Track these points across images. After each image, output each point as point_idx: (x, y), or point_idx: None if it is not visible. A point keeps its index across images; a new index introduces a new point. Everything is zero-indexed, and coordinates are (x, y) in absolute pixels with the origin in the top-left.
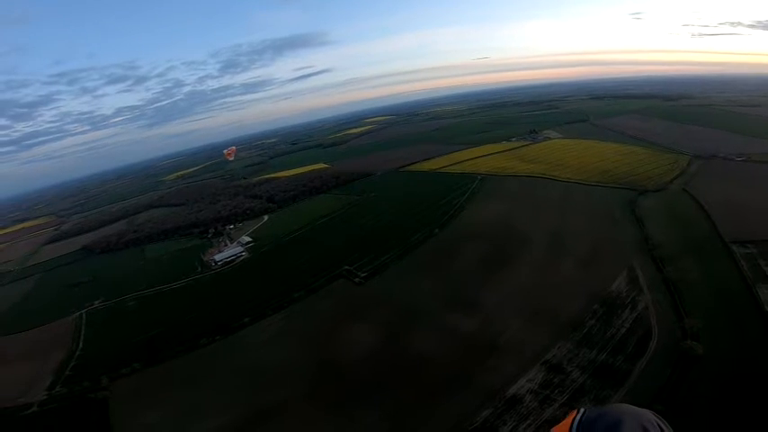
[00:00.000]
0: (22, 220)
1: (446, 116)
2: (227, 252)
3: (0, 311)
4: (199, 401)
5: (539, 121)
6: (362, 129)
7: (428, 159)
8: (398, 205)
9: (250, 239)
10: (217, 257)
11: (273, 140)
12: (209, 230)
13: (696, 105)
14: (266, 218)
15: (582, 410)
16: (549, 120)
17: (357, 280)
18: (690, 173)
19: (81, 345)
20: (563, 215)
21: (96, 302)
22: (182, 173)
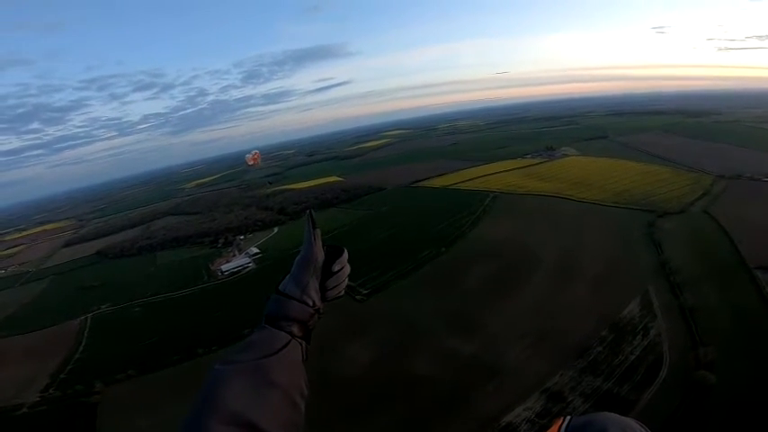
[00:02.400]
0: (44, 223)
1: (464, 131)
2: (235, 262)
3: (11, 311)
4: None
5: (557, 137)
6: (379, 142)
7: (442, 175)
8: (407, 222)
9: (258, 251)
10: (224, 267)
11: (292, 151)
12: (220, 240)
13: (722, 122)
14: (276, 229)
15: (568, 418)
16: (567, 136)
17: (358, 297)
18: (713, 193)
19: (82, 348)
20: (577, 237)
21: (103, 307)
22: (201, 181)
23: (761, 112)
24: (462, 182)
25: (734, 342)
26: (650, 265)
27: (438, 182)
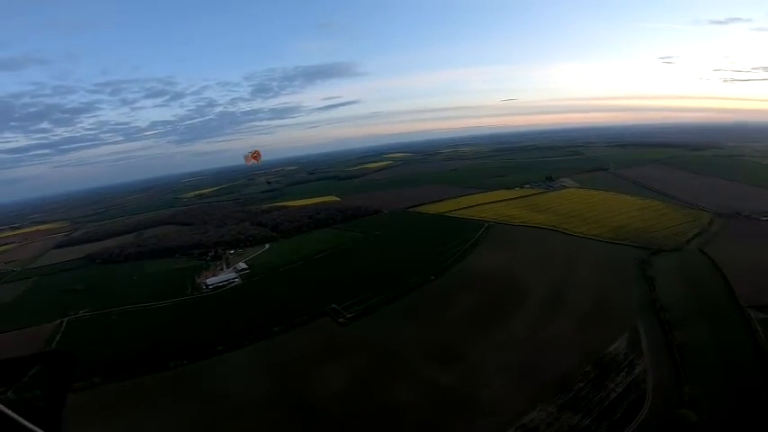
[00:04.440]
0: (40, 222)
1: (465, 157)
2: (221, 277)
3: None
4: (148, 425)
5: (557, 167)
6: (380, 164)
7: (438, 201)
8: (399, 247)
9: (246, 266)
10: (209, 281)
11: (294, 168)
12: (209, 253)
13: (724, 156)
14: (267, 246)
15: None
16: (567, 167)
17: (342, 320)
18: (710, 232)
19: None
20: (568, 272)
21: (81, 312)
22: (200, 192)
23: (762, 146)
24: (458, 209)
25: (720, 381)
26: (641, 302)
27: (434, 208)
